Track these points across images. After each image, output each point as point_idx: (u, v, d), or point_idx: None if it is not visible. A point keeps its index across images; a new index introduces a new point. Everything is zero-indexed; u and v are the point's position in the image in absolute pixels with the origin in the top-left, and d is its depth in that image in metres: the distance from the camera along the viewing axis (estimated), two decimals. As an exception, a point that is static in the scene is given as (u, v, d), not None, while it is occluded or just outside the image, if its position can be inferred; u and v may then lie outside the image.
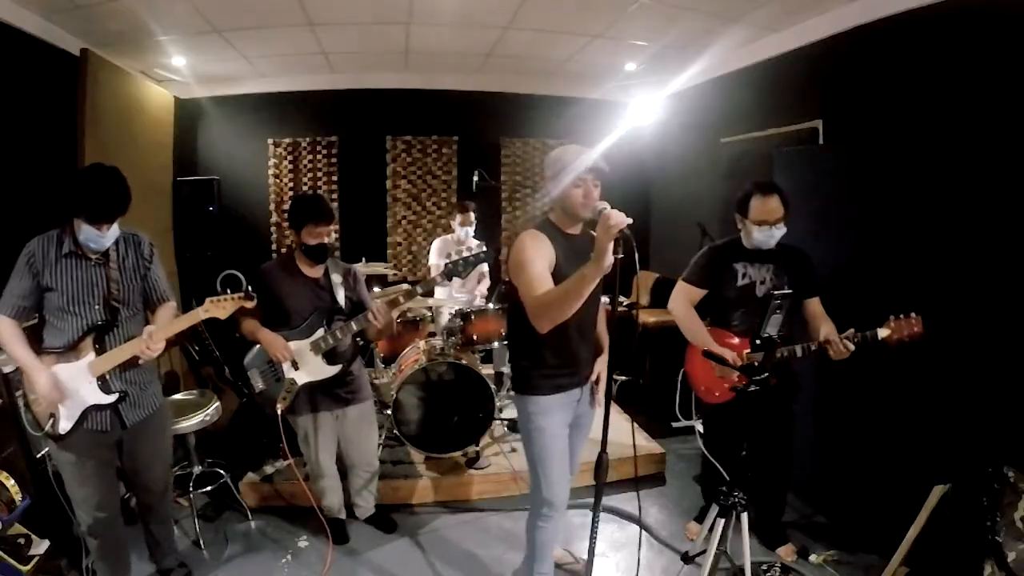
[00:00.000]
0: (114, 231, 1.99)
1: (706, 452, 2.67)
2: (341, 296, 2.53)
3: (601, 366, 2.11)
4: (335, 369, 2.50)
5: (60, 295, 1.96)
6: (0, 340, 1.94)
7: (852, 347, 2.20)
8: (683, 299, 2.52)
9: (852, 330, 2.22)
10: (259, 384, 2.53)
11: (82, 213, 1.90)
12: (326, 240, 2.44)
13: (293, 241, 2.51)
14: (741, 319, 2.45)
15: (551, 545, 2.09)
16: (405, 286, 2.80)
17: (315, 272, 2.51)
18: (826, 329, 2.29)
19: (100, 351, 1.99)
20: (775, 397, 2.39)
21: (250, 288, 2.15)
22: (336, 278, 2.54)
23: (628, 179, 4.84)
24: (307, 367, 2.46)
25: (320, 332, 2.45)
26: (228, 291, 2.12)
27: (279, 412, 2.44)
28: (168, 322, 2.09)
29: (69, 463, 2.04)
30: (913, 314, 2.14)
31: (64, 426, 1.97)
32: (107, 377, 2.02)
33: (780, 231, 2.36)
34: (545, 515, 2.02)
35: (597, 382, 2.12)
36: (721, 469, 2.49)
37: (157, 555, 2.42)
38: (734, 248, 2.50)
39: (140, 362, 2.06)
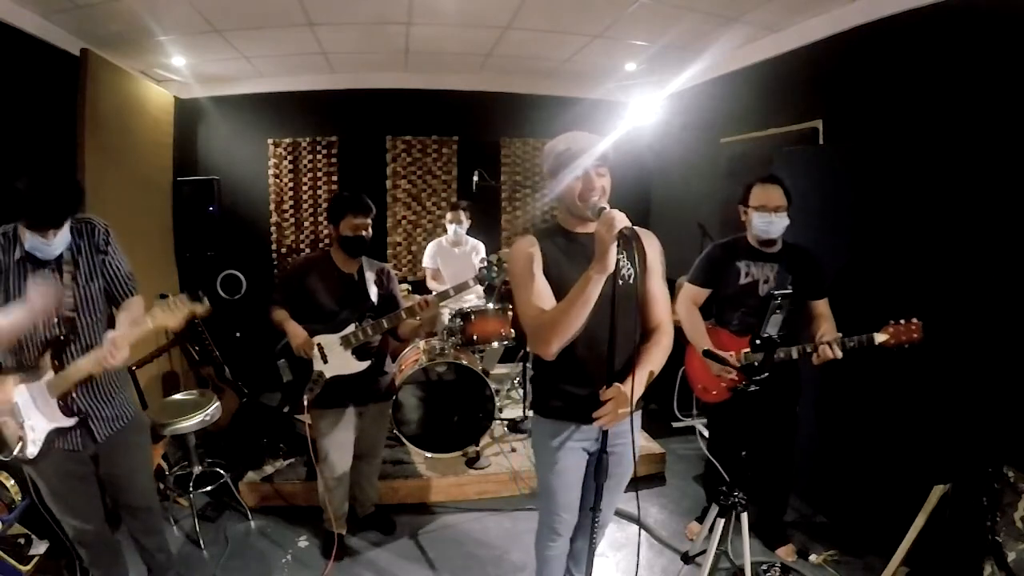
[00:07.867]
0: (63, 237, 1.77)
1: (708, 454, 2.67)
2: (374, 293, 2.56)
3: (617, 390, 1.56)
4: (363, 365, 2.52)
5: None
6: None
7: (839, 353, 2.16)
8: (686, 301, 2.51)
9: (840, 335, 2.19)
10: (287, 375, 2.55)
11: (22, 217, 1.70)
12: (364, 234, 2.45)
13: (329, 236, 2.50)
14: (741, 318, 2.43)
15: (560, 560, 2.01)
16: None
17: (350, 268, 2.54)
18: (822, 332, 2.26)
19: (59, 368, 1.80)
20: (778, 399, 2.39)
21: (201, 293, 1.88)
22: (369, 275, 2.57)
23: (628, 179, 4.83)
24: (336, 361, 2.48)
25: (351, 328, 2.47)
26: (184, 294, 1.83)
27: (305, 403, 2.45)
28: (129, 326, 1.82)
29: (43, 482, 1.94)
30: (914, 320, 2.11)
31: (32, 451, 1.81)
32: (71, 396, 1.83)
33: (781, 220, 2.34)
34: (551, 537, 1.92)
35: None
36: (722, 470, 2.48)
37: (153, 568, 2.30)
38: (738, 246, 2.48)
39: (107, 370, 1.82)
